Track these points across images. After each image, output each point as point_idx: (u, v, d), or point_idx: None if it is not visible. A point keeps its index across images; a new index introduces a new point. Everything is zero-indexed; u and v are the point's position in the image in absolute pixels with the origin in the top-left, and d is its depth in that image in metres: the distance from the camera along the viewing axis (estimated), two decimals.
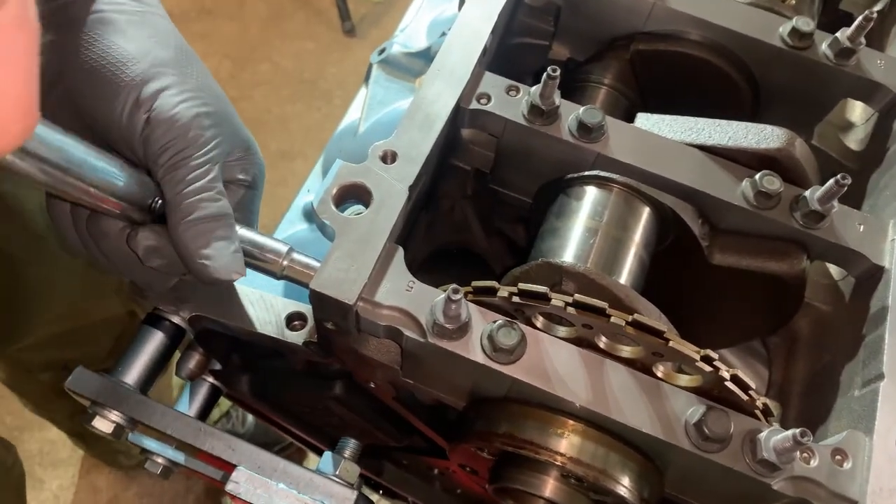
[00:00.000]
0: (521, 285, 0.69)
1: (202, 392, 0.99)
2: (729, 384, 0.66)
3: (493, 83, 0.86)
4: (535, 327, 0.72)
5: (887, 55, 0.93)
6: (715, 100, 0.98)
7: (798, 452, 0.66)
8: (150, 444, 0.87)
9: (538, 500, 0.75)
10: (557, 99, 0.82)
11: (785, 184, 0.80)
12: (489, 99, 0.85)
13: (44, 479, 2.41)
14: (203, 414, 0.98)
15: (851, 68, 0.91)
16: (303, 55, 3.41)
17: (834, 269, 0.91)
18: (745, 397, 0.67)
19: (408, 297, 0.72)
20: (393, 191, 0.76)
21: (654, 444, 0.69)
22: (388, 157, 0.78)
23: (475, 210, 0.99)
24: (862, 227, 0.80)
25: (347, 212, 0.75)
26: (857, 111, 1.00)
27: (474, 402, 0.77)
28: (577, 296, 0.67)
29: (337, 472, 0.77)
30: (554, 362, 0.69)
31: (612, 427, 0.69)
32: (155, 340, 0.82)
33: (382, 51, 1.43)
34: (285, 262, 0.75)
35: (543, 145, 0.84)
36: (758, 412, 0.69)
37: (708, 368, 0.66)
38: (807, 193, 0.79)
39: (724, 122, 0.86)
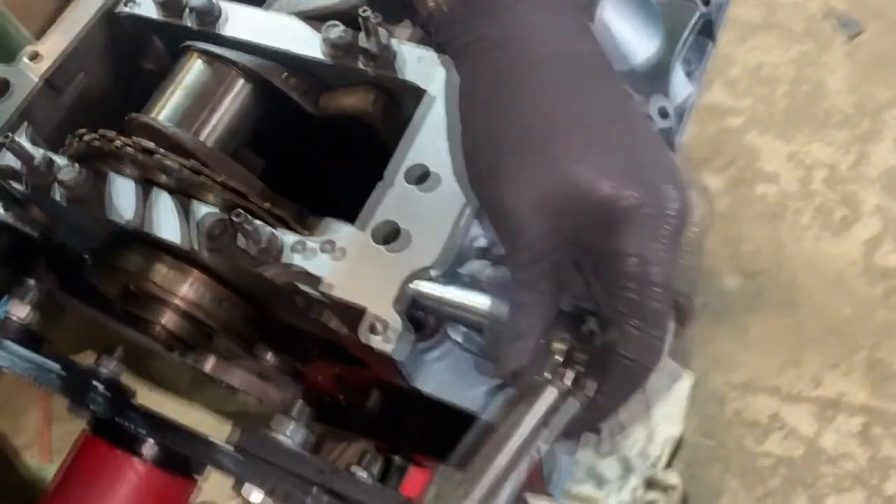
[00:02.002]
0: (84, 132, 0.85)
1: None
2: (217, 186, 0.79)
3: None
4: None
5: None
6: None
7: (291, 243, 0.78)
8: None
9: (152, 324, 0.90)
10: None
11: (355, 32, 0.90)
12: (136, 4, 1.01)
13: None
14: None
15: None
16: None
17: None
18: (239, 201, 0.79)
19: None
20: (27, 81, 0.94)
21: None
22: (33, 56, 0.96)
23: None
24: (422, 60, 0.89)
25: None
26: None
27: None
28: (112, 134, 0.83)
29: None
30: (113, 193, 0.85)
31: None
32: None
33: None
34: None
35: (175, 34, 0.99)
36: (268, 218, 0.81)
37: (189, 174, 0.79)
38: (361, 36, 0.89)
39: None
